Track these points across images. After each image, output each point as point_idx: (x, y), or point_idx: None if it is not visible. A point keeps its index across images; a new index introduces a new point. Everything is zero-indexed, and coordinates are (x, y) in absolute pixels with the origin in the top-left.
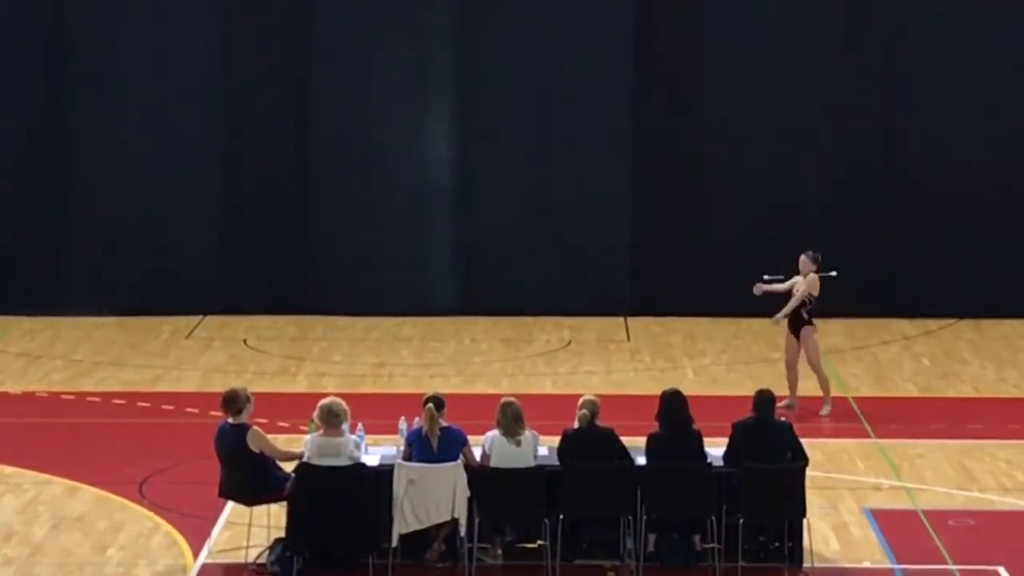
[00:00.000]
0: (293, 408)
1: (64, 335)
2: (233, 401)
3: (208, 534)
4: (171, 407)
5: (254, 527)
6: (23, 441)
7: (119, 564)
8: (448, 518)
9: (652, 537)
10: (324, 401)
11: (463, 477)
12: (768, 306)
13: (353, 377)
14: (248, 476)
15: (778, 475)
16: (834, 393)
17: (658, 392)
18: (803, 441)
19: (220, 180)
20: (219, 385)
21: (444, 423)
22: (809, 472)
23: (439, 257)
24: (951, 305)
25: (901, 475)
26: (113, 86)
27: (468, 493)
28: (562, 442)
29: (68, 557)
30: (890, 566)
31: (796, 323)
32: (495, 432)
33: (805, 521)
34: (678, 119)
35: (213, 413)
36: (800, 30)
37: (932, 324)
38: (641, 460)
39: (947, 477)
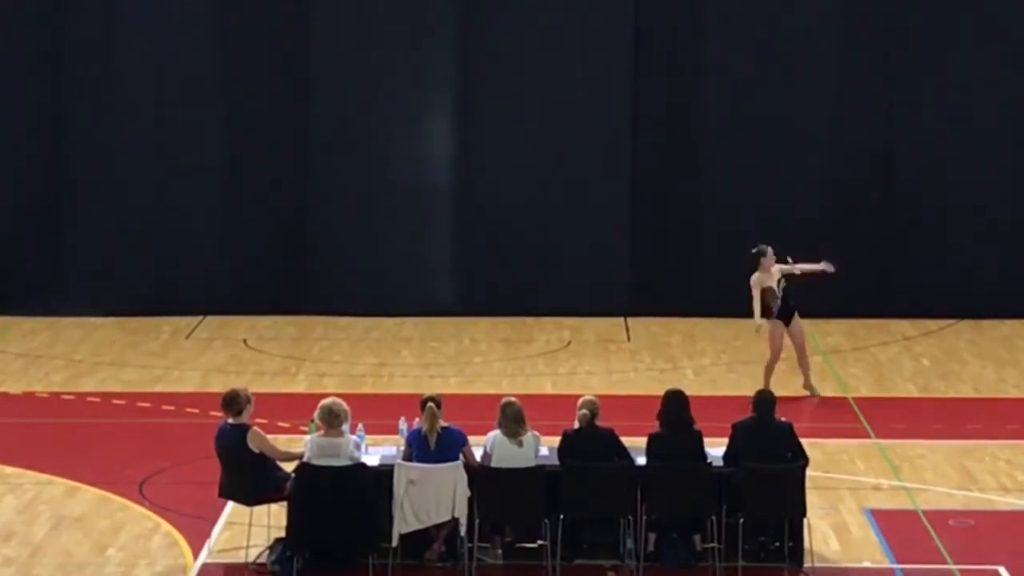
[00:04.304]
0: (293, 408)
1: (64, 335)
2: (233, 401)
3: (208, 534)
4: (171, 407)
5: (254, 527)
6: (23, 441)
7: (119, 564)
8: (448, 518)
9: (652, 537)
10: (324, 401)
11: (463, 477)
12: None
13: (353, 377)
14: (248, 476)
15: (778, 475)
16: (835, 393)
17: (658, 392)
18: (803, 441)
19: (220, 180)
20: (219, 385)
21: (443, 423)
22: (809, 472)
23: (439, 257)
24: (951, 305)
25: (901, 475)
26: (113, 87)
27: (468, 493)
28: (562, 442)
29: (68, 557)
30: (890, 566)
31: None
32: (497, 432)
33: (805, 521)
34: (678, 119)
35: (213, 413)
36: (800, 31)
37: (932, 324)
38: (641, 460)
39: (947, 477)
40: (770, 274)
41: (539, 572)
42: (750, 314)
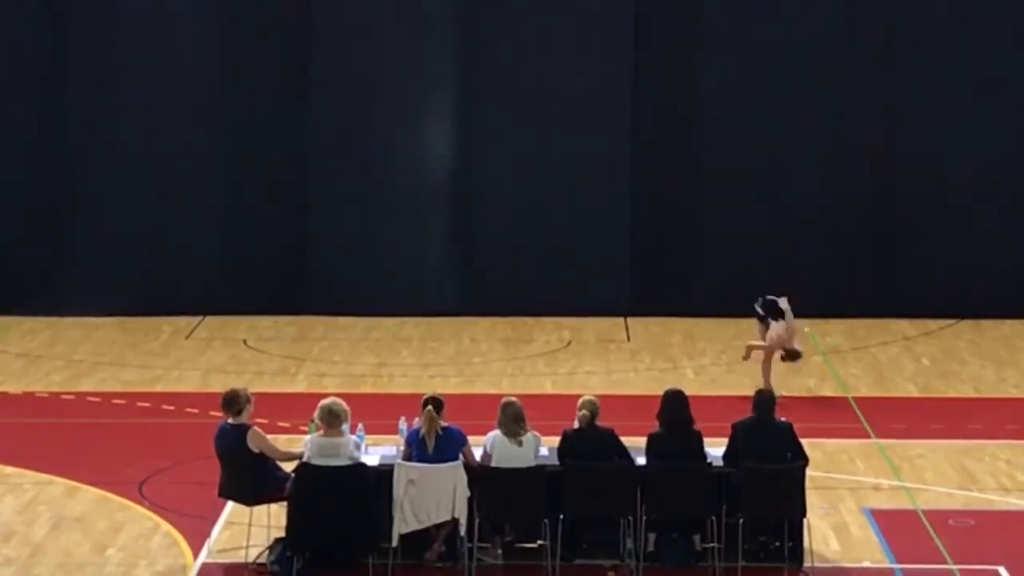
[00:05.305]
0: (293, 408)
1: (64, 335)
2: (233, 401)
3: (208, 534)
4: (171, 407)
5: (254, 527)
6: (23, 441)
7: (119, 564)
8: (448, 518)
9: (652, 537)
10: (324, 401)
11: (463, 477)
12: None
13: (353, 377)
14: (248, 476)
15: (778, 475)
16: (835, 393)
17: (658, 392)
18: (803, 441)
19: (220, 180)
20: (219, 385)
21: (444, 423)
22: (809, 472)
23: (439, 257)
24: (951, 305)
25: (901, 475)
26: (113, 86)
27: (468, 493)
28: (562, 442)
29: (68, 557)
30: (890, 566)
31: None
32: (497, 432)
33: (805, 521)
34: (677, 119)
35: (213, 413)
36: (799, 31)
37: (932, 324)
38: (641, 460)
39: (947, 477)
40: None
41: (539, 572)
42: (750, 315)
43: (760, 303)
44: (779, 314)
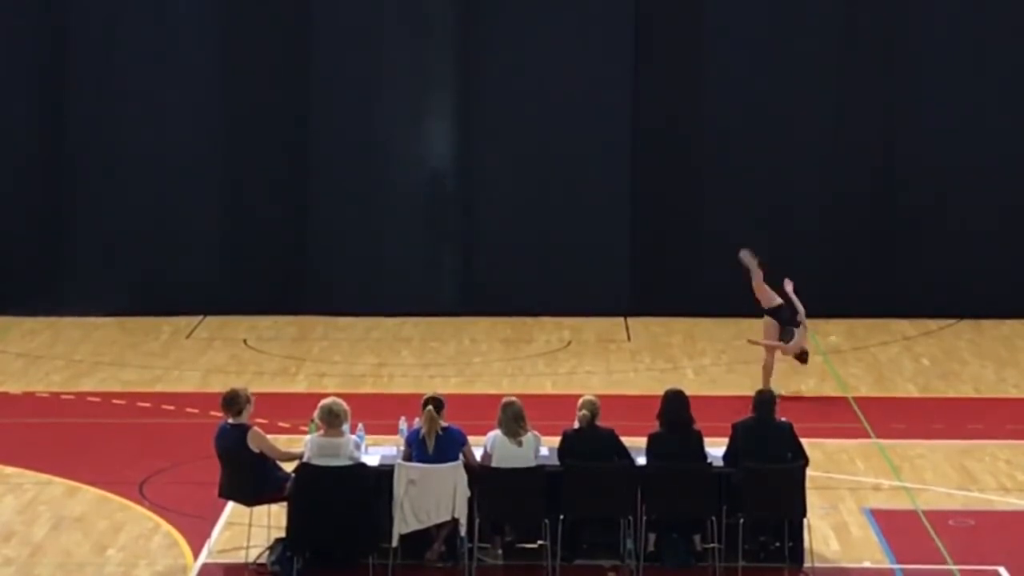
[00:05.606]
0: (293, 408)
1: (64, 335)
2: (233, 401)
3: (208, 534)
4: (171, 407)
5: (254, 527)
6: (23, 441)
7: (119, 564)
8: (448, 518)
9: (652, 537)
10: (324, 401)
11: (463, 477)
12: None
13: (353, 377)
14: (248, 476)
15: (778, 475)
16: (835, 393)
17: (658, 392)
18: (803, 441)
19: (220, 180)
20: (219, 385)
21: (444, 423)
22: (809, 472)
23: (439, 257)
24: (951, 305)
25: (901, 475)
26: (113, 86)
27: (468, 493)
28: (562, 442)
29: (68, 557)
30: (890, 566)
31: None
32: (497, 432)
33: (805, 521)
34: (677, 119)
35: (213, 413)
36: (800, 30)
37: (932, 324)
38: (641, 460)
39: (947, 477)
40: (804, 333)
41: (539, 572)
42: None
43: (782, 311)
44: (796, 322)
